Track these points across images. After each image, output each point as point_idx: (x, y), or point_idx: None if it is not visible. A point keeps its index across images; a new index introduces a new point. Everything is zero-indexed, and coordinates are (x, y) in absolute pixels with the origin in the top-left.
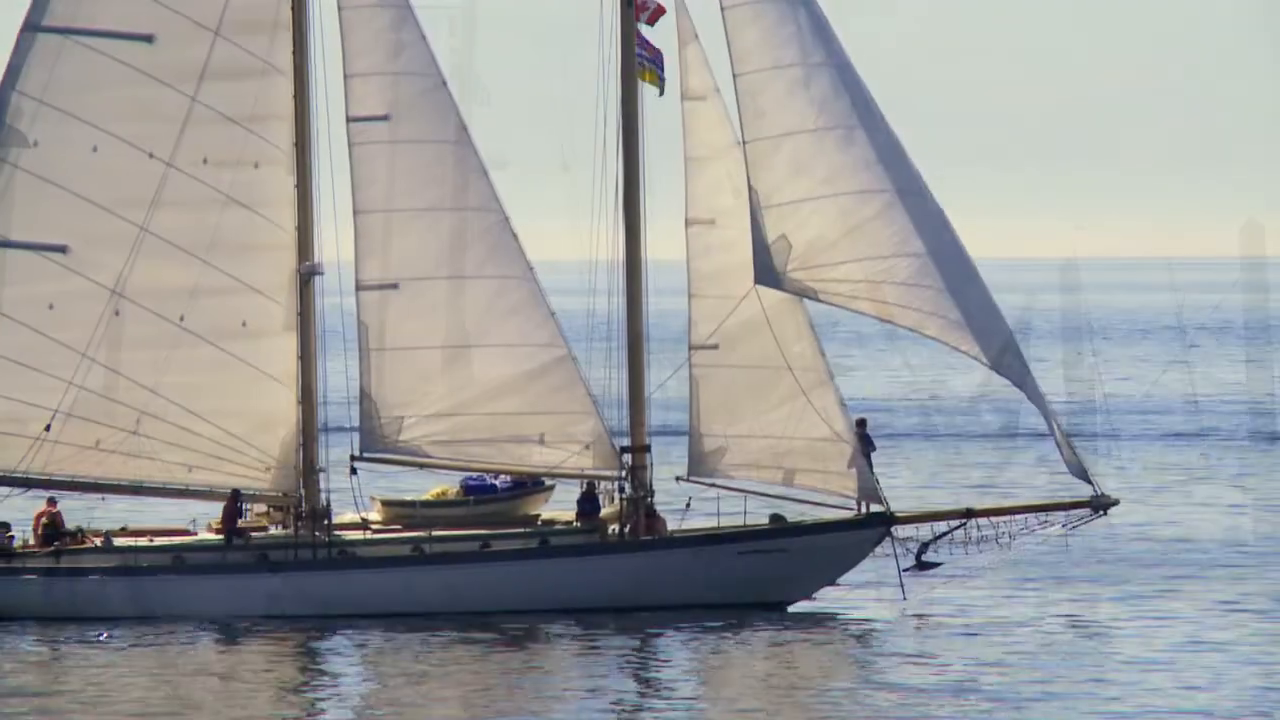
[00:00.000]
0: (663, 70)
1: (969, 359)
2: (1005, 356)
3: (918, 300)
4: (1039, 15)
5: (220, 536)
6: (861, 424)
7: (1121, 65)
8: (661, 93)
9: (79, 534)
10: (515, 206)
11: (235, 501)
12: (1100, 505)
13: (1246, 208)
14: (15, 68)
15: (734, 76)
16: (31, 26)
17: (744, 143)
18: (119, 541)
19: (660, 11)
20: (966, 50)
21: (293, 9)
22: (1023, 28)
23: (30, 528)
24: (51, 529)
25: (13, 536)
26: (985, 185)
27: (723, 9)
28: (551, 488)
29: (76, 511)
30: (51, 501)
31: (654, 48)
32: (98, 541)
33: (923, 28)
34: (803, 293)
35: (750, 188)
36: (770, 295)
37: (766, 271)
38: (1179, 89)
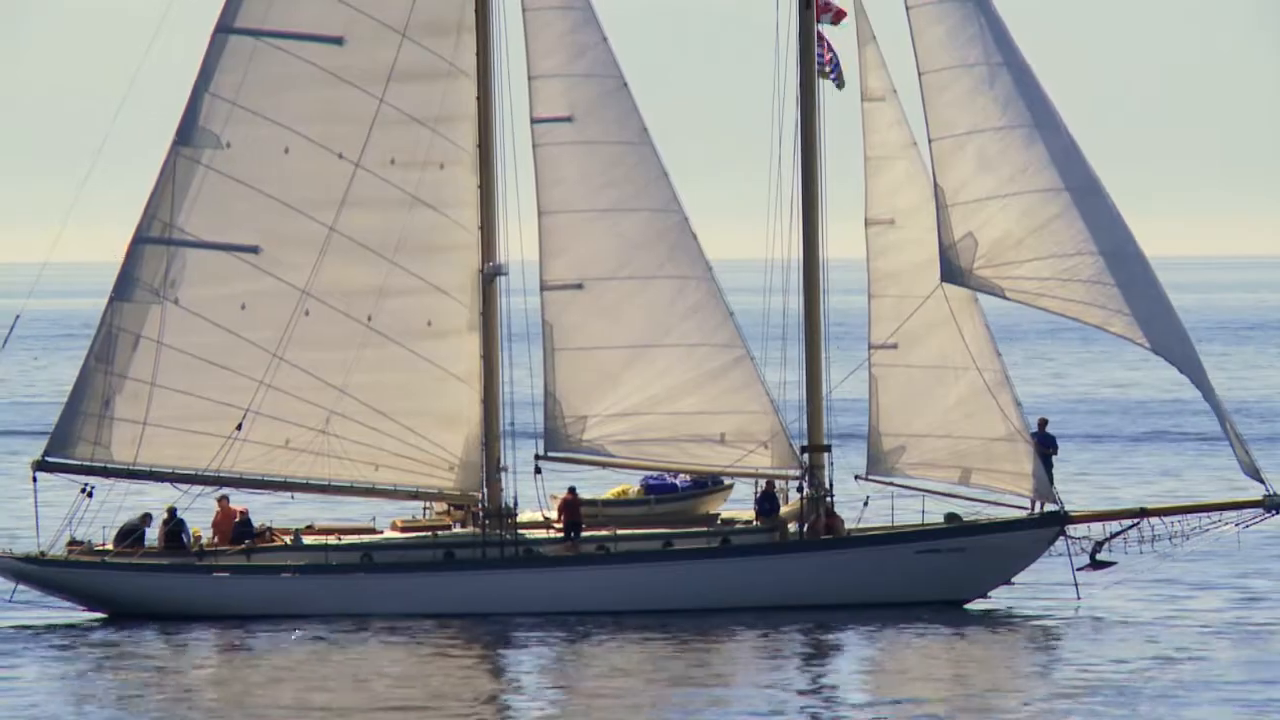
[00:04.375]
0: (836, 73)
1: (1151, 355)
2: (1185, 354)
3: (1102, 298)
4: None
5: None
6: (1043, 424)
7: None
8: (840, 86)
9: (268, 533)
10: (692, 206)
11: (574, 496)
12: (1273, 505)
13: None
14: (208, 69)
15: (919, 74)
16: (224, 29)
17: (929, 140)
18: (307, 540)
19: (841, 14)
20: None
21: (476, 11)
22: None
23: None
24: (244, 527)
25: (200, 535)
26: None
27: (907, 8)
28: (730, 487)
29: (256, 511)
30: (223, 499)
31: (831, 52)
32: (287, 540)
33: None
34: (989, 290)
35: (935, 185)
36: (952, 294)
37: (952, 269)
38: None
